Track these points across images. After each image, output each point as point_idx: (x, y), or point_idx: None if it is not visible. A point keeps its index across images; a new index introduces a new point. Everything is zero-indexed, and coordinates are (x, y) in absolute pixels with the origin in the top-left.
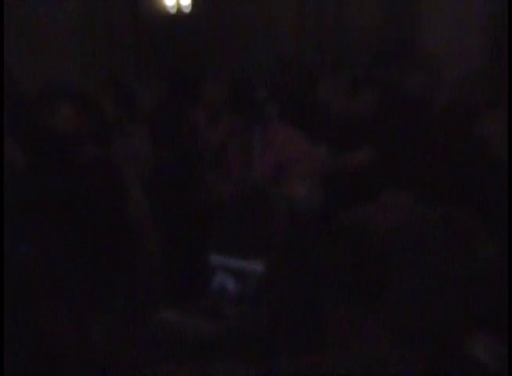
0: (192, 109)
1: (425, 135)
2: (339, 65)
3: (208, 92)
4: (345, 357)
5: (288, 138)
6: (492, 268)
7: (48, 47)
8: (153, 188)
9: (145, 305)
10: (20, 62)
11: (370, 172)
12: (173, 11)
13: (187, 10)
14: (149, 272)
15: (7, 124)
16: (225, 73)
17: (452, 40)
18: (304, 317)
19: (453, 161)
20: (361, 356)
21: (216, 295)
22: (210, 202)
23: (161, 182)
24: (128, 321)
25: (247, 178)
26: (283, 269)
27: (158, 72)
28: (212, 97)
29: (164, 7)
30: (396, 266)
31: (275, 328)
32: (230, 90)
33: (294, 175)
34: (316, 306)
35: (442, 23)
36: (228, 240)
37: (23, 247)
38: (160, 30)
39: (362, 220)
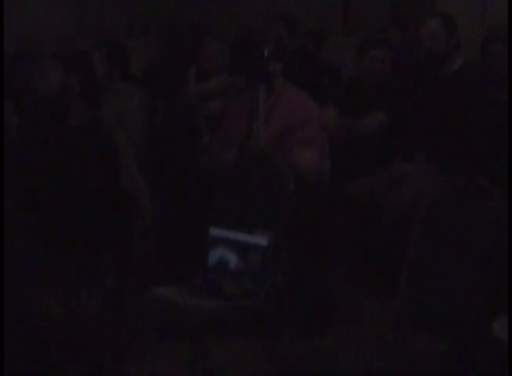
0: (190, 68)
1: (439, 99)
2: (348, 25)
3: (208, 50)
4: (351, 341)
5: (294, 100)
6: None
7: (36, 2)
8: (148, 155)
9: (140, 281)
10: (8, 19)
11: (381, 139)
12: None
13: None
14: (145, 247)
15: None
16: (226, 30)
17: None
18: (310, 295)
19: (468, 125)
20: (369, 341)
21: (216, 271)
22: (211, 170)
23: (157, 149)
24: (122, 298)
25: (250, 144)
26: (289, 244)
27: (154, 28)
28: (212, 55)
29: None
30: (412, 240)
31: (279, 307)
32: (232, 48)
33: (301, 140)
34: (323, 284)
35: None
36: (230, 212)
37: (13, 216)
38: None
39: (373, 191)
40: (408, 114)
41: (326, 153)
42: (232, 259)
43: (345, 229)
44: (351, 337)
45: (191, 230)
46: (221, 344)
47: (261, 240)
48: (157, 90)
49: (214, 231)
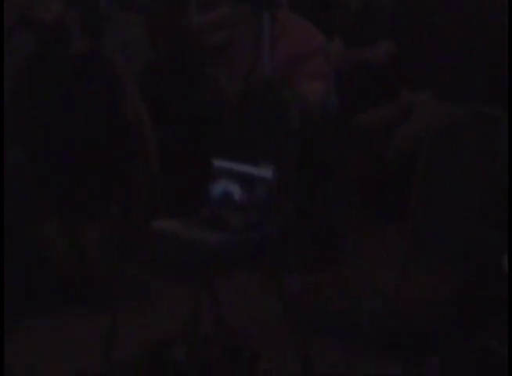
0: None
1: (449, 28)
2: None
3: None
4: (359, 275)
5: (299, 30)
6: None
7: None
8: (151, 86)
9: (142, 214)
10: None
11: (389, 70)
12: None
13: None
14: (147, 179)
15: None
16: None
17: None
18: (317, 228)
19: (477, 55)
20: (377, 273)
21: (220, 204)
22: (215, 101)
23: (159, 80)
24: (124, 231)
25: (255, 75)
26: (295, 176)
27: None
28: None
29: None
30: (422, 171)
31: (286, 239)
32: None
33: (307, 71)
34: (330, 216)
35: None
36: (234, 143)
37: (14, 152)
38: None
39: (382, 122)
40: (415, 42)
41: (334, 86)
42: (237, 192)
43: (353, 163)
44: (363, 270)
45: (194, 162)
46: (225, 279)
47: (266, 172)
48: (158, 20)
49: (218, 163)
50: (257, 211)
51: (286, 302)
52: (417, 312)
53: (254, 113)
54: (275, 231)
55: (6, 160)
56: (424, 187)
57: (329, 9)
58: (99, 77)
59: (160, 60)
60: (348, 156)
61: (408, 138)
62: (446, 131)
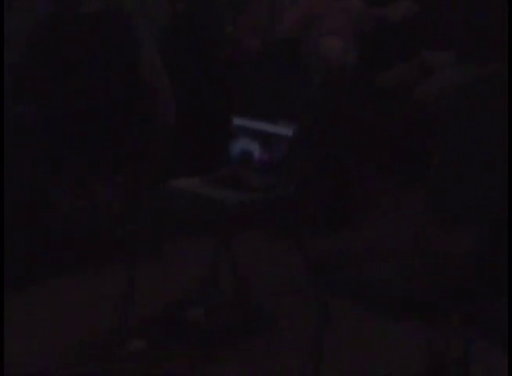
0: None
1: None
2: None
3: None
4: (380, 233)
5: None
6: None
7: None
8: (169, 43)
9: (158, 172)
10: None
11: (409, 28)
12: None
13: None
14: (164, 137)
15: None
16: None
17: None
18: (337, 189)
19: (497, 14)
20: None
21: (239, 163)
22: (234, 59)
23: (178, 37)
24: (138, 189)
25: (275, 33)
26: (315, 135)
27: None
28: None
29: None
30: (442, 132)
31: (305, 199)
32: None
33: (326, 29)
34: (350, 177)
35: None
36: (253, 102)
37: (22, 106)
38: None
39: (402, 80)
40: (437, 2)
41: (354, 45)
42: (256, 150)
43: (373, 121)
44: (384, 231)
45: (213, 120)
46: (244, 239)
47: (285, 130)
48: None
49: (237, 121)
50: (277, 170)
51: (307, 264)
52: (440, 269)
53: (274, 71)
54: (295, 191)
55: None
56: (444, 143)
57: None
58: (116, 38)
59: (180, 20)
60: (368, 114)
61: (429, 93)
62: (468, 88)
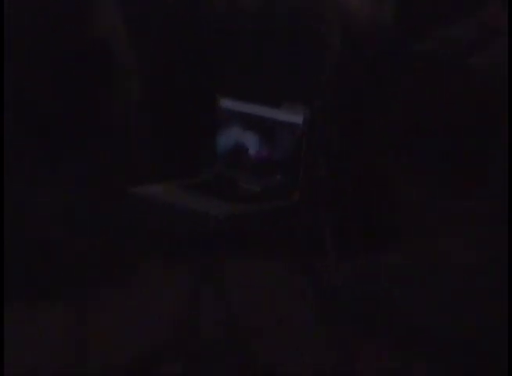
0: None
1: None
2: None
3: None
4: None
5: None
6: None
7: None
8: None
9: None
10: None
11: None
12: None
13: None
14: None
15: None
16: None
17: None
18: (361, 192)
19: None
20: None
21: (229, 161)
22: (222, 19)
23: None
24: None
25: None
26: (332, 122)
27: None
28: None
29: None
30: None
31: (318, 209)
32: None
33: None
34: (378, 176)
35: None
36: (249, 79)
37: None
38: None
39: (454, 46)
40: None
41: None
42: (252, 144)
43: (412, 105)
44: (419, 252)
45: (193, 102)
46: (234, 264)
47: (292, 116)
48: None
49: (227, 104)
50: (280, 169)
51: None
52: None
53: (274, 37)
54: (303, 198)
55: None
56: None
57: None
58: None
59: None
60: (406, 95)
61: (493, 64)
62: None
